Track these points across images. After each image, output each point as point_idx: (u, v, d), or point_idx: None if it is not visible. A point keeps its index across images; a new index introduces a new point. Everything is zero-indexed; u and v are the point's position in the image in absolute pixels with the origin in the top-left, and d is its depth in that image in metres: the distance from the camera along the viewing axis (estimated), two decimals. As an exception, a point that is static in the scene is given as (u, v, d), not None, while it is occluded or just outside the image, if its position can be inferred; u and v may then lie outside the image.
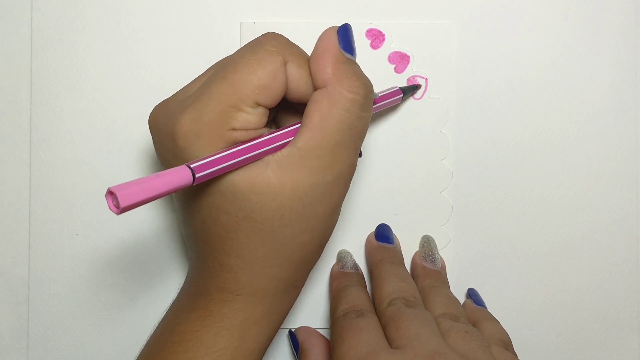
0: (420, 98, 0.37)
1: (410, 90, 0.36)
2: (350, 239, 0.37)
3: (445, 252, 0.37)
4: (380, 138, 0.37)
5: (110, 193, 0.21)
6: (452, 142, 0.37)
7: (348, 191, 0.29)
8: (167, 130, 0.27)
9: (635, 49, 0.37)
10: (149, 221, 0.37)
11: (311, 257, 0.29)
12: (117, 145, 0.37)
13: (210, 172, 0.24)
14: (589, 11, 0.37)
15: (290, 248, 0.28)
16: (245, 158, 0.26)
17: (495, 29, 0.37)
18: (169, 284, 0.37)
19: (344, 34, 0.28)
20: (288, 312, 0.30)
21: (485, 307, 0.36)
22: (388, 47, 0.37)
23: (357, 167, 0.35)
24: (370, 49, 0.36)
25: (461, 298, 0.37)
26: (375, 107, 0.32)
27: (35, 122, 0.37)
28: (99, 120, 0.37)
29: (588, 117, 0.37)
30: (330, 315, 0.33)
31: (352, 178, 0.29)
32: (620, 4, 0.37)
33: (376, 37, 0.37)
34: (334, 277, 0.36)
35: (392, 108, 0.36)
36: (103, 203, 0.36)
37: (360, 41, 0.36)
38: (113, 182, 0.36)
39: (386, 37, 0.36)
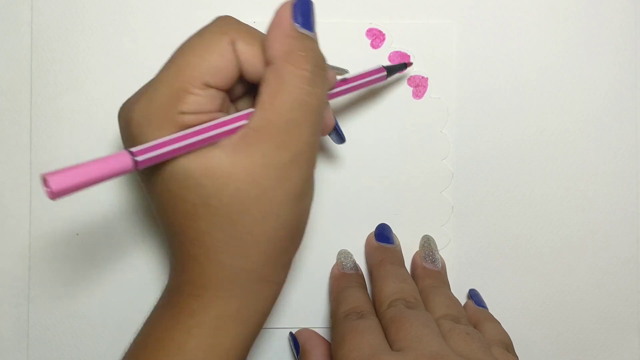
0: (420, 98, 0.37)
1: (397, 68, 0.35)
2: (350, 239, 0.37)
3: (445, 252, 0.37)
4: (381, 138, 0.37)
5: (44, 179, 0.21)
6: (452, 142, 0.37)
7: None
8: (123, 121, 0.27)
9: (635, 49, 0.37)
10: (150, 221, 0.37)
11: (283, 248, 0.28)
12: (117, 145, 0.37)
13: (155, 156, 0.24)
14: (589, 11, 0.37)
15: (253, 236, 0.26)
16: (195, 142, 0.25)
17: (495, 29, 0.37)
18: (169, 284, 0.37)
19: (302, 7, 0.26)
20: (268, 311, 0.29)
21: (486, 308, 0.36)
22: (388, 47, 0.37)
23: (357, 167, 0.35)
24: (370, 48, 0.36)
25: (461, 298, 0.37)
26: (354, 85, 0.31)
27: (35, 122, 0.37)
28: (99, 121, 0.37)
29: (588, 117, 0.37)
30: (330, 317, 0.33)
31: (314, 159, 0.27)
32: (620, 4, 0.37)
33: (376, 37, 0.37)
34: (334, 278, 0.36)
35: (392, 104, 0.36)
36: (103, 204, 0.36)
37: (360, 41, 0.36)
38: (113, 182, 0.36)
39: (386, 37, 0.36)
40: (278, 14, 0.27)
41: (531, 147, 0.37)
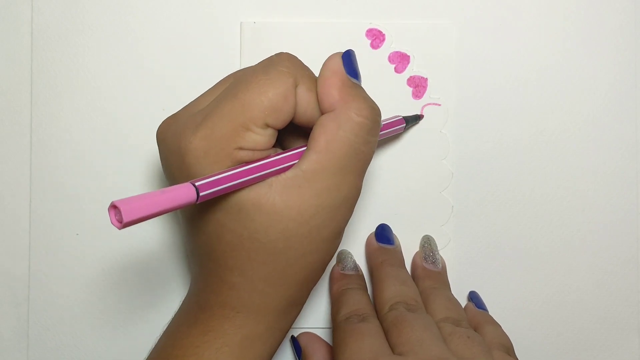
0: (420, 98, 0.37)
1: (413, 119, 0.36)
2: (350, 239, 0.37)
3: (445, 252, 0.37)
4: (380, 138, 0.37)
5: (113, 207, 0.21)
6: (452, 142, 0.37)
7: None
8: (175, 146, 0.27)
9: (635, 49, 0.37)
10: (150, 221, 0.37)
11: (314, 277, 0.29)
12: (117, 145, 0.37)
13: (214, 191, 0.24)
14: (589, 11, 0.37)
15: (293, 269, 0.27)
16: (250, 179, 0.26)
17: (495, 29, 0.37)
18: (169, 286, 0.37)
19: (348, 59, 0.28)
20: (289, 328, 0.30)
21: (487, 311, 0.36)
22: (388, 47, 0.37)
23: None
24: (370, 49, 0.36)
25: (461, 299, 0.37)
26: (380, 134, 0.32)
27: (35, 122, 0.37)
28: (99, 120, 0.37)
29: (588, 117, 0.37)
30: (331, 319, 0.33)
31: (357, 201, 0.28)
32: (620, 4, 0.37)
33: (376, 37, 0.37)
34: (335, 279, 0.36)
35: (392, 104, 0.36)
36: (103, 203, 0.36)
37: (360, 41, 0.36)
38: (113, 183, 0.36)
39: (386, 37, 0.36)
40: (330, 64, 0.27)
41: (531, 147, 0.37)
